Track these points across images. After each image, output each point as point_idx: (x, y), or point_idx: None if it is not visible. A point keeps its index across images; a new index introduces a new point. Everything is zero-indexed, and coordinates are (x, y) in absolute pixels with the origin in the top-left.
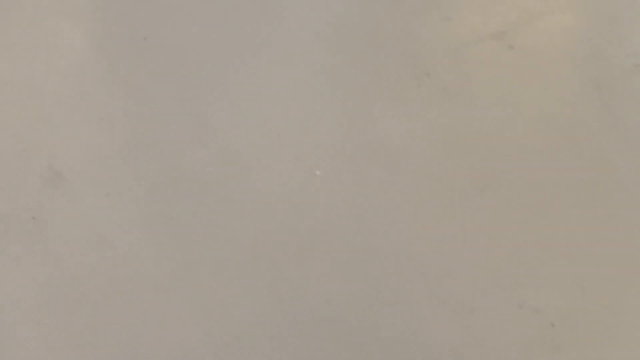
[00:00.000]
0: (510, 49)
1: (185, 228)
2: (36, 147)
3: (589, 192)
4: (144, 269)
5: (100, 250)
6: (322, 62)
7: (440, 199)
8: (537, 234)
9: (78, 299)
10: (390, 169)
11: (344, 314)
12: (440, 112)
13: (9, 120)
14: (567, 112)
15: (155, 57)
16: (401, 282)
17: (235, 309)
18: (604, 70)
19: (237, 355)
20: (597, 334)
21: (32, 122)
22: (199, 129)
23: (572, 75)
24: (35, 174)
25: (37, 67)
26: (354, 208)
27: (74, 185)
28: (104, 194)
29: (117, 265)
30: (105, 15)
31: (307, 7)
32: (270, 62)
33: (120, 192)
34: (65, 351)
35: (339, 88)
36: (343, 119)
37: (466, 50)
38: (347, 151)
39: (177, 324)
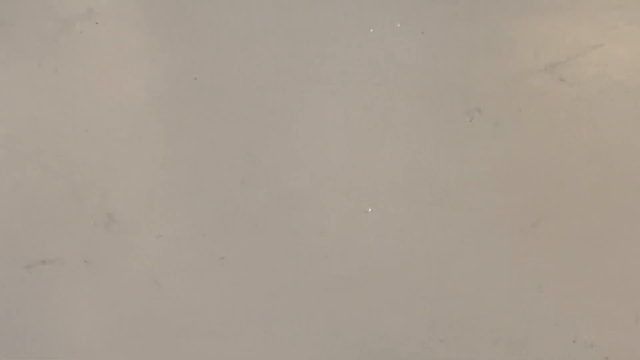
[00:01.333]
0: (561, 82)
1: (238, 268)
2: (88, 190)
3: None
4: (198, 311)
5: (153, 292)
6: (372, 98)
7: (492, 234)
8: (590, 268)
9: (132, 342)
10: (441, 204)
11: (398, 350)
12: (492, 147)
13: (61, 163)
14: (620, 145)
15: (206, 97)
16: (455, 318)
17: (289, 346)
18: None
19: None
20: None
21: (83, 165)
22: (251, 169)
23: (626, 107)
24: (88, 216)
25: (88, 109)
26: (407, 244)
27: (126, 228)
28: (156, 236)
29: (170, 307)
30: (155, 55)
31: (357, 43)
32: (321, 100)
33: (173, 234)
34: None
35: (390, 124)
36: (394, 154)
37: (517, 83)
38: (399, 187)
39: None
